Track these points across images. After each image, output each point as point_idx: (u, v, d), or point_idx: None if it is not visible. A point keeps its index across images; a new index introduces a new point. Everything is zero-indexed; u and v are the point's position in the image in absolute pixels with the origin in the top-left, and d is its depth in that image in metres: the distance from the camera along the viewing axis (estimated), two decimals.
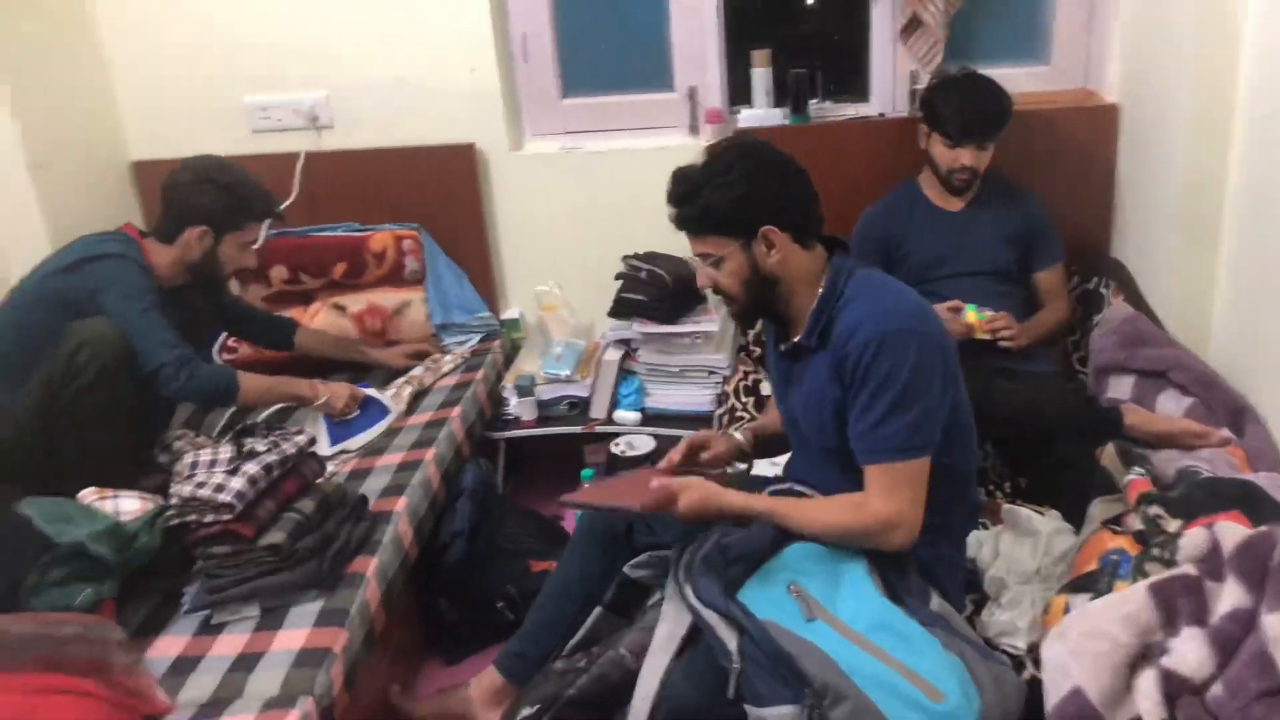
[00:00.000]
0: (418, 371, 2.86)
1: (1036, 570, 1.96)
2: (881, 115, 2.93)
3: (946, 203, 2.67)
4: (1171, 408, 2.27)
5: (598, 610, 2.05)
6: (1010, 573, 1.95)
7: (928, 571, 1.78)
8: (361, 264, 2.98)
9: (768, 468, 2.24)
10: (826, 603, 1.68)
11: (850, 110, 2.97)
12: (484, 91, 2.95)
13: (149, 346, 2.21)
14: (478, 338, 3.05)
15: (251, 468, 1.93)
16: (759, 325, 2.92)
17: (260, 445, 2.00)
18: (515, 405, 2.85)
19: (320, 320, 2.94)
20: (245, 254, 2.46)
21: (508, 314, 3.18)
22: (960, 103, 2.51)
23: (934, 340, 1.68)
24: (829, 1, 3.07)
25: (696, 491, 1.78)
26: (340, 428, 2.57)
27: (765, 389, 2.72)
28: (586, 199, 3.05)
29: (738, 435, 2.08)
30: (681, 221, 1.82)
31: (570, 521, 2.85)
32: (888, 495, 1.66)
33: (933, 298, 2.44)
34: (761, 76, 2.90)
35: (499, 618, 2.41)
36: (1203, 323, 2.38)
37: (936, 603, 1.76)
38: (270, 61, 2.97)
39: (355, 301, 2.99)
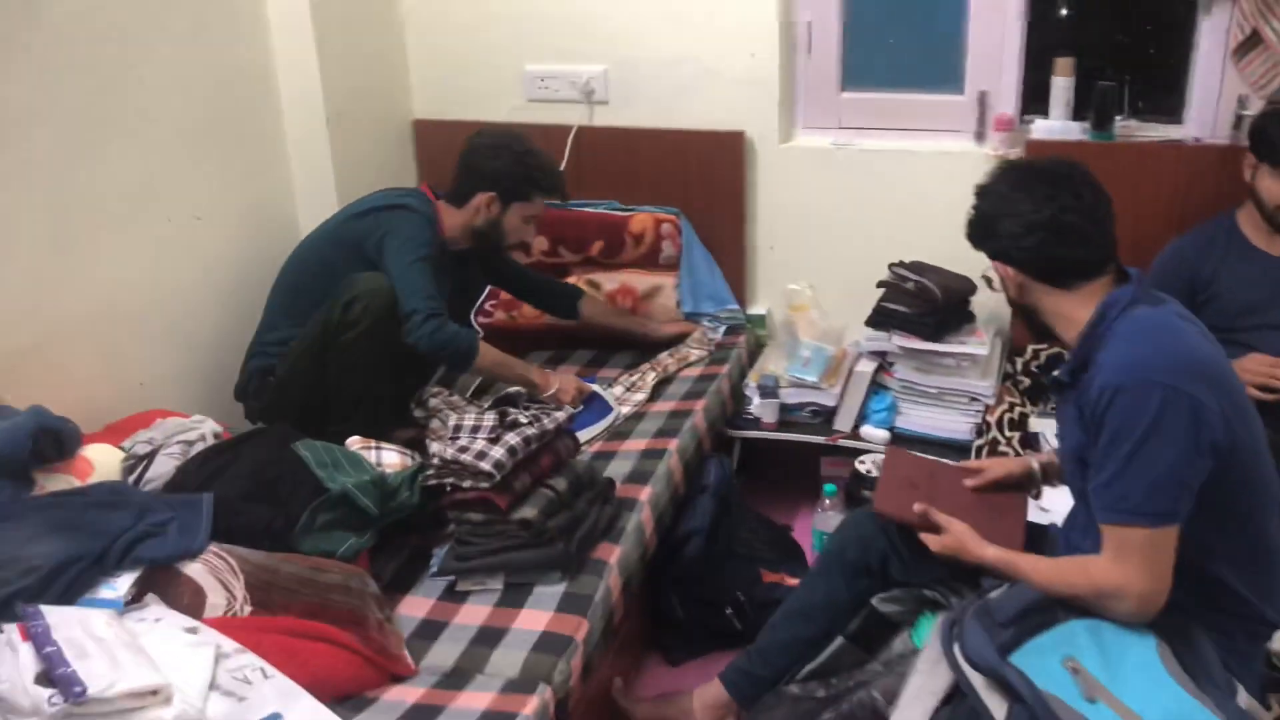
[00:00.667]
0: (664, 357, 2.81)
1: None
2: (1197, 140, 2.64)
3: (1269, 244, 2.38)
4: None
5: (839, 640, 1.94)
6: None
7: (1224, 661, 1.57)
8: (619, 243, 2.95)
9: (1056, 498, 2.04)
10: (1109, 684, 1.50)
11: (1159, 131, 2.70)
12: (760, 78, 2.86)
13: (407, 292, 2.26)
14: (723, 330, 2.98)
15: (512, 438, 1.92)
16: (1028, 353, 2.74)
17: (522, 417, 1.99)
18: (757, 405, 2.76)
19: None
20: (527, 227, 2.52)
21: (755, 309, 3.09)
22: None
23: (1189, 398, 1.45)
24: (1148, 12, 2.79)
25: (955, 538, 1.73)
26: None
27: (1034, 424, 2.52)
28: (854, 199, 2.91)
29: (1032, 460, 1.93)
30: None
31: (801, 533, 2.75)
32: (1114, 560, 1.50)
33: (1236, 349, 2.20)
34: (1062, 86, 2.67)
35: (726, 623, 2.34)
36: None
37: (1244, 698, 1.55)
38: (553, 32, 2.98)
39: (609, 280, 2.98)
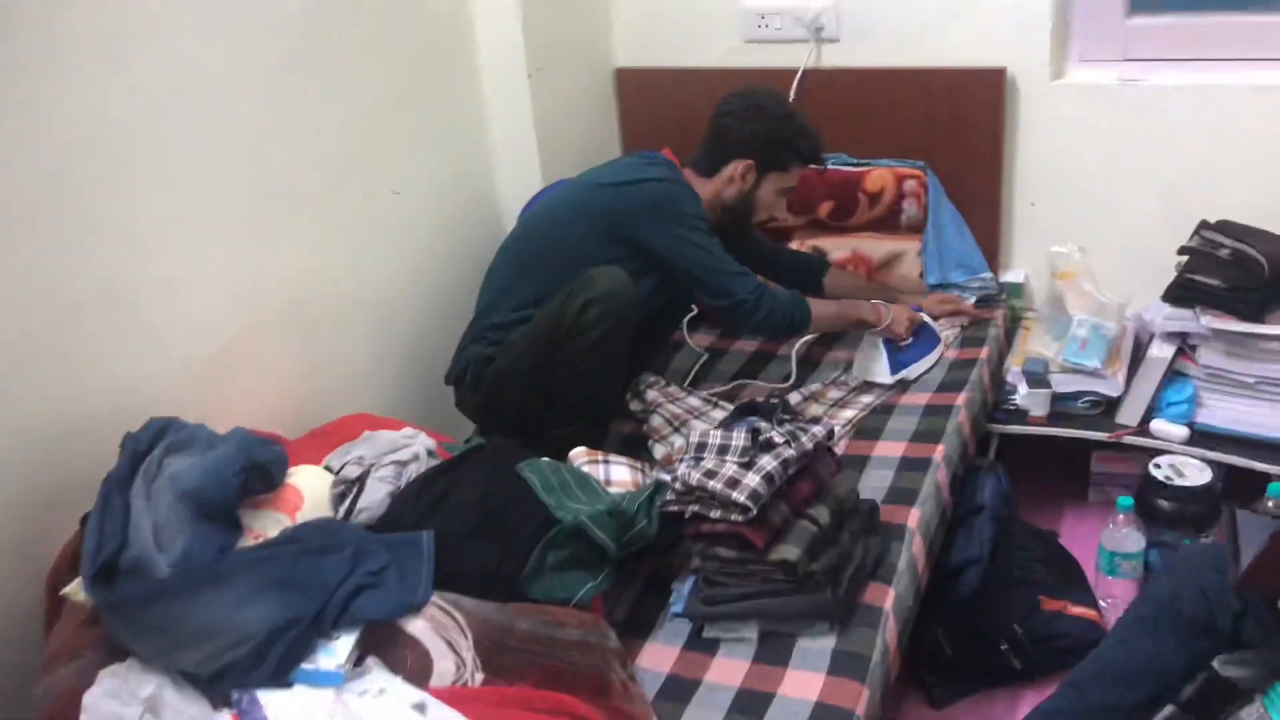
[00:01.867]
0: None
1: None
2: None
3: None
4: None
5: (1169, 709, 1.57)
6: None
7: None
8: (852, 203, 2.57)
9: None
10: None
11: None
12: (1028, 4, 2.40)
13: (722, 278, 2.09)
14: (973, 301, 2.57)
15: (769, 463, 1.61)
16: None
17: (777, 435, 1.67)
18: (1024, 395, 2.35)
19: None
20: (780, 200, 2.24)
21: (1009, 276, 2.66)
22: None
23: None
24: None
25: None
26: (900, 353, 2.31)
27: None
28: (1141, 146, 2.42)
29: None
30: None
31: (1069, 542, 2.34)
32: None
33: None
34: None
35: (1000, 660, 2.00)
36: None
37: None
38: None
39: (838, 246, 2.60)
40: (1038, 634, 2.01)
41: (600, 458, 1.81)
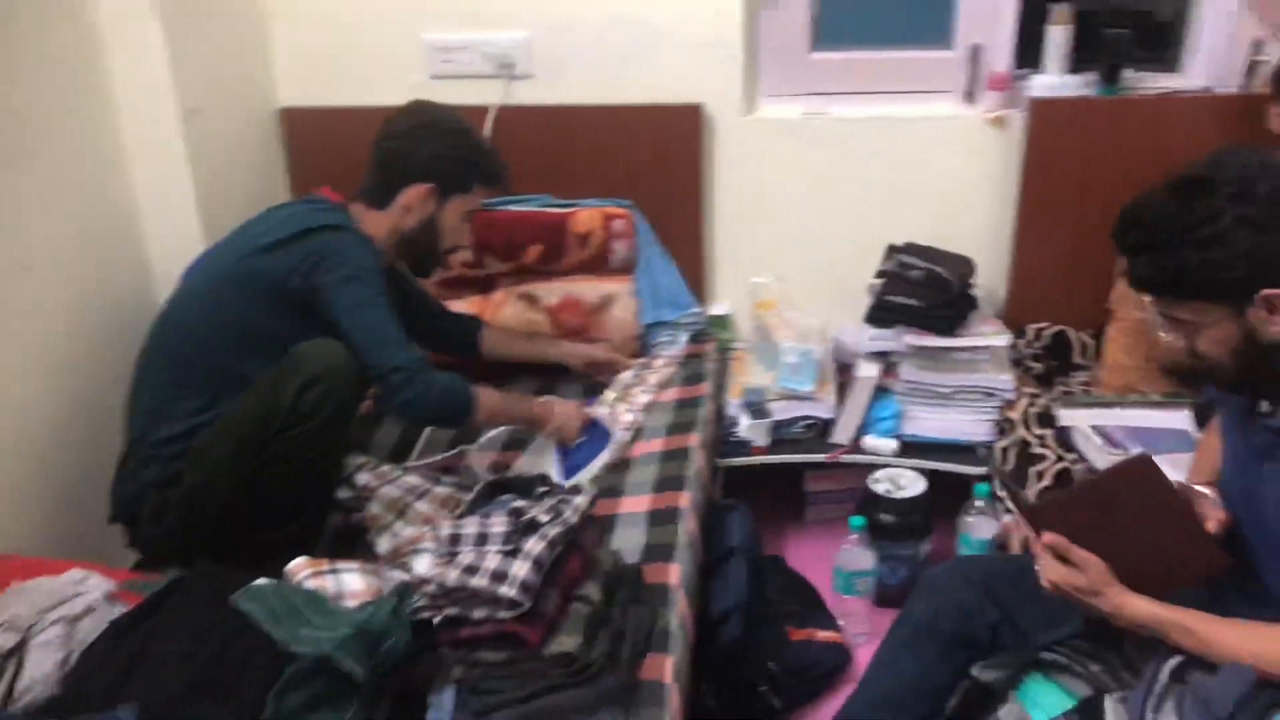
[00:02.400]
0: (626, 378, 2.36)
1: None
2: (1208, 90, 2.38)
3: None
4: None
5: None
6: None
7: None
8: (561, 246, 2.46)
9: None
10: None
11: (1163, 82, 2.43)
12: (720, 39, 2.41)
13: (378, 345, 1.76)
14: (685, 338, 2.55)
15: (535, 546, 1.44)
16: (1029, 334, 2.44)
17: (541, 513, 1.50)
18: (747, 427, 2.35)
19: (507, 314, 2.43)
20: (463, 228, 1.99)
21: (715, 309, 2.67)
22: None
23: None
24: None
25: (1089, 579, 1.38)
26: (572, 455, 2.09)
27: (1063, 416, 2.22)
28: (829, 175, 2.52)
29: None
30: (1140, 280, 1.33)
31: (800, 564, 2.37)
32: None
33: None
34: (1060, 38, 2.35)
35: (761, 702, 1.95)
36: None
37: None
38: None
39: (550, 292, 2.47)
40: (792, 668, 2.00)
41: (326, 567, 1.54)
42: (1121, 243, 1.33)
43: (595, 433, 2.11)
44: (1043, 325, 2.48)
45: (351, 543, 1.84)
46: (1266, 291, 1.23)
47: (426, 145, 1.90)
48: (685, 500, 1.94)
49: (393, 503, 1.91)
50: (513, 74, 2.47)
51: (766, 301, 2.58)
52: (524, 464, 2.06)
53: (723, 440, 2.37)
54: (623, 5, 2.39)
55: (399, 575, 1.59)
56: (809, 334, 2.48)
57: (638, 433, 2.20)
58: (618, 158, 2.49)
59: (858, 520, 2.17)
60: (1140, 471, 1.41)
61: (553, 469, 2.02)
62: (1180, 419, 2.17)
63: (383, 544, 1.84)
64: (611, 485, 2.03)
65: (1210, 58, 2.37)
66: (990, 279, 2.51)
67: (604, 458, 2.08)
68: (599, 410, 2.19)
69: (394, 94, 2.41)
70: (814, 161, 2.50)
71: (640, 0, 2.38)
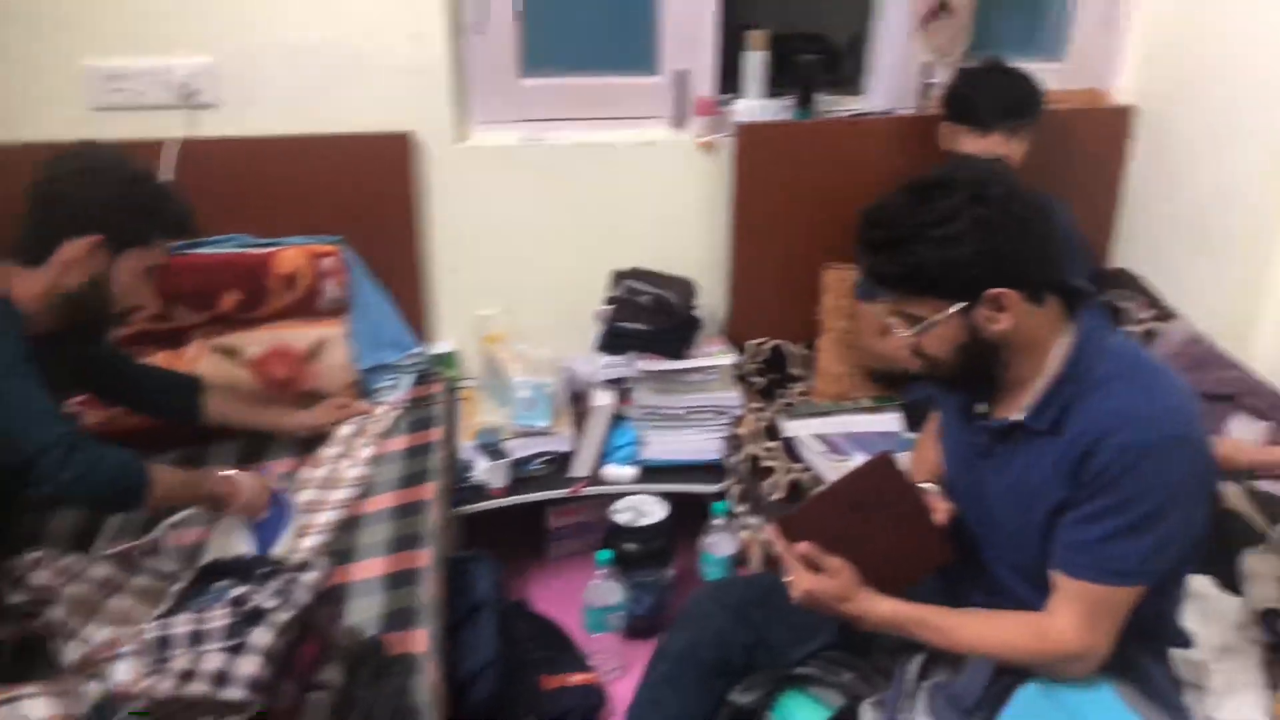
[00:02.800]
0: (346, 432, 2.19)
1: (1223, 645, 1.69)
2: (889, 112, 2.55)
3: None
4: (1246, 434, 2.11)
5: None
6: (1207, 650, 1.66)
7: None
8: (262, 290, 2.23)
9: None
10: None
11: (850, 105, 2.58)
12: (425, 65, 2.29)
13: (25, 423, 1.51)
14: (410, 380, 2.41)
15: (264, 637, 1.28)
16: (749, 348, 2.51)
17: (267, 598, 1.33)
18: (483, 470, 2.25)
19: (202, 371, 2.16)
20: (143, 286, 1.72)
21: (440, 347, 2.54)
22: (990, 86, 2.23)
23: (1202, 452, 1.32)
24: None
25: (839, 584, 1.42)
26: (261, 529, 1.87)
27: (787, 427, 2.29)
28: (547, 203, 2.47)
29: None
30: (879, 277, 1.38)
31: (545, 604, 2.30)
32: (1086, 623, 1.32)
33: None
34: (757, 62, 2.44)
35: None
36: (1246, 337, 2.28)
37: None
38: (126, 12, 2.15)
39: (252, 342, 2.23)
40: (549, 719, 1.92)
41: (3, 696, 1.29)
42: (865, 240, 1.36)
43: (276, 505, 1.91)
44: (761, 340, 2.56)
45: (31, 658, 1.55)
46: (994, 290, 1.30)
47: (92, 192, 1.62)
48: (424, 559, 1.82)
49: (80, 603, 1.60)
50: (196, 104, 2.22)
51: (494, 335, 2.49)
52: (214, 541, 1.82)
53: (458, 486, 2.26)
54: (317, 30, 2.22)
55: (95, 688, 1.36)
56: (541, 366, 2.42)
57: (367, 488, 2.04)
58: (322, 191, 2.31)
59: (604, 554, 2.12)
60: (881, 472, 1.45)
61: (246, 546, 1.82)
62: (890, 421, 2.31)
63: (70, 651, 1.56)
64: (343, 549, 1.87)
65: (888, 81, 2.55)
66: (711, 299, 2.56)
67: (291, 528, 1.90)
68: (273, 479, 2.00)
69: (50, 128, 2.13)
70: (533, 189, 2.45)
71: (336, 25, 2.22)
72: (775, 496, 2.11)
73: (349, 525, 1.94)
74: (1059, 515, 1.34)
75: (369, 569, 1.81)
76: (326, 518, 1.95)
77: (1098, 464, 1.28)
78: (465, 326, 2.53)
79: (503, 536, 2.38)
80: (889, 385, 2.41)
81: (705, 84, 2.48)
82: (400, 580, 1.77)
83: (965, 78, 2.29)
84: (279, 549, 1.85)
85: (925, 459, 1.69)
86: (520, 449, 2.28)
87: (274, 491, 1.92)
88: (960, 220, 1.29)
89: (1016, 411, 1.40)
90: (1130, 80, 2.59)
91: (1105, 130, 2.59)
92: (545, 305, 2.51)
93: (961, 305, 1.32)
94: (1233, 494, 1.86)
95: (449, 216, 2.44)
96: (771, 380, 2.52)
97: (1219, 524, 1.80)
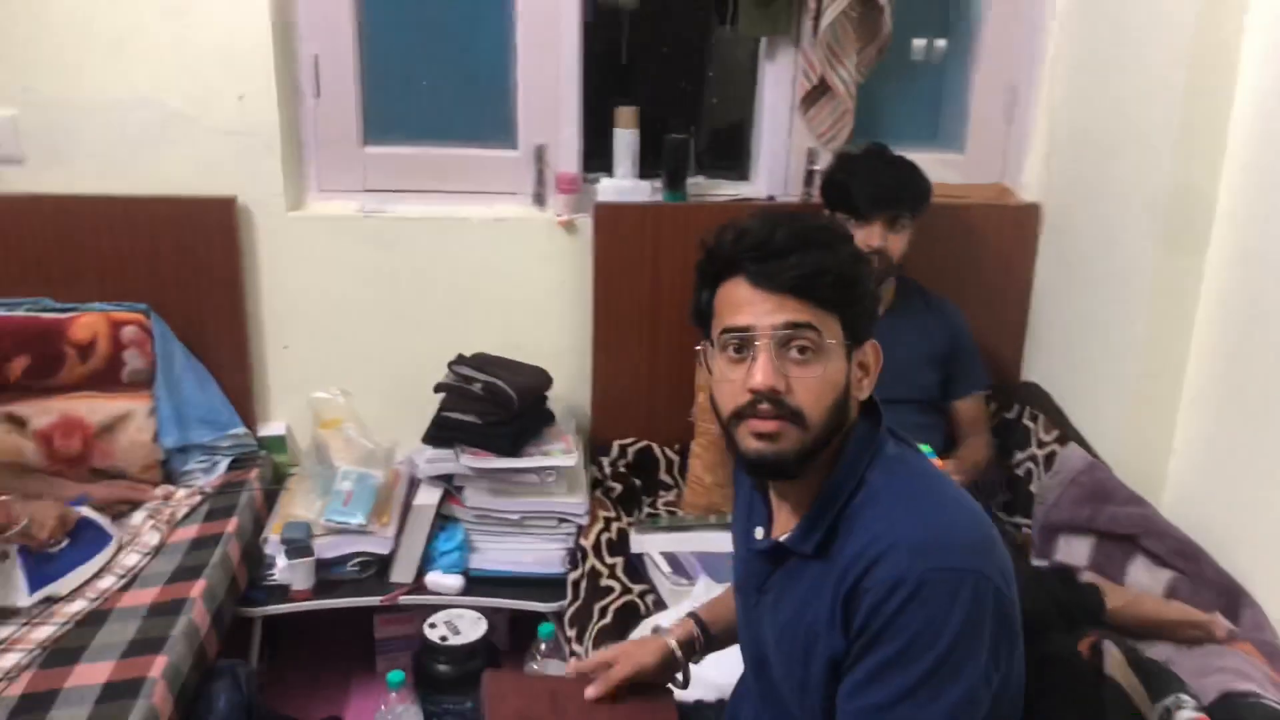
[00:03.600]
0: (138, 519, 1.97)
1: None
2: (771, 198, 2.37)
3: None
4: (1145, 581, 1.86)
5: None
6: None
7: None
8: (57, 358, 2.04)
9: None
10: None
11: (730, 190, 2.41)
12: (253, 127, 2.14)
13: None
14: (226, 464, 2.19)
15: None
16: (614, 450, 2.28)
17: None
18: (284, 569, 2.02)
19: None
20: None
21: (269, 429, 2.33)
22: (869, 172, 2.05)
23: (998, 583, 1.04)
24: (706, 58, 2.51)
25: None
26: (47, 565, 1.73)
27: (636, 542, 2.04)
28: (394, 280, 2.29)
29: (667, 638, 1.40)
30: (790, 282, 1.09)
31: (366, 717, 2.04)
32: None
33: None
34: (627, 140, 2.28)
35: None
36: (1155, 470, 2.01)
37: None
38: None
39: (42, 412, 2.03)
40: None
41: None
42: (766, 242, 1.09)
43: (87, 534, 1.76)
44: (628, 441, 2.34)
45: None
46: (873, 342, 1.14)
47: None
48: (158, 666, 1.57)
49: None
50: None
51: (330, 420, 2.27)
52: None
53: (257, 585, 2.02)
54: (133, 84, 2.07)
55: None
56: (374, 456, 2.19)
57: (130, 580, 1.81)
58: (137, 256, 2.14)
59: (396, 676, 1.86)
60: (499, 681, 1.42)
61: (18, 580, 1.68)
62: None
63: None
64: (74, 646, 1.63)
65: (771, 166, 2.38)
66: (573, 392, 2.35)
67: (96, 562, 1.76)
68: (88, 510, 1.83)
69: None
70: (375, 264, 2.26)
71: (156, 80, 2.08)
72: (599, 624, 1.85)
73: (95, 619, 1.71)
74: (838, 675, 1.08)
75: (91, 674, 1.57)
76: (76, 608, 1.72)
77: (867, 602, 1.02)
78: (299, 409, 2.31)
79: (329, 646, 2.15)
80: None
81: (569, 160, 2.31)
82: (120, 690, 1.52)
83: (843, 164, 2.12)
84: (67, 585, 1.74)
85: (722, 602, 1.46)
86: (330, 548, 2.05)
87: (85, 521, 1.81)
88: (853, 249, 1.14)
89: (782, 532, 1.16)
90: (1033, 176, 2.40)
91: (1012, 229, 2.40)
92: (386, 390, 2.31)
93: (847, 341, 1.11)
94: (1114, 658, 1.57)
95: (281, 289, 2.26)
96: (633, 486, 2.28)
97: (1086, 693, 1.55)
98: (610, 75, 2.37)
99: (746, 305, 1.10)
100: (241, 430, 2.22)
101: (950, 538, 1.04)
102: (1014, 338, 2.45)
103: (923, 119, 2.46)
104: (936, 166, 2.27)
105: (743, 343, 1.10)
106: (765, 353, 1.08)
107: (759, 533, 1.21)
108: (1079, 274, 2.24)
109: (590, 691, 1.32)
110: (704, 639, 1.41)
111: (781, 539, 1.15)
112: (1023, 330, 2.45)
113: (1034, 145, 2.39)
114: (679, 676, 1.40)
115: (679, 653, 1.39)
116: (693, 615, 1.43)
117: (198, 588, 1.79)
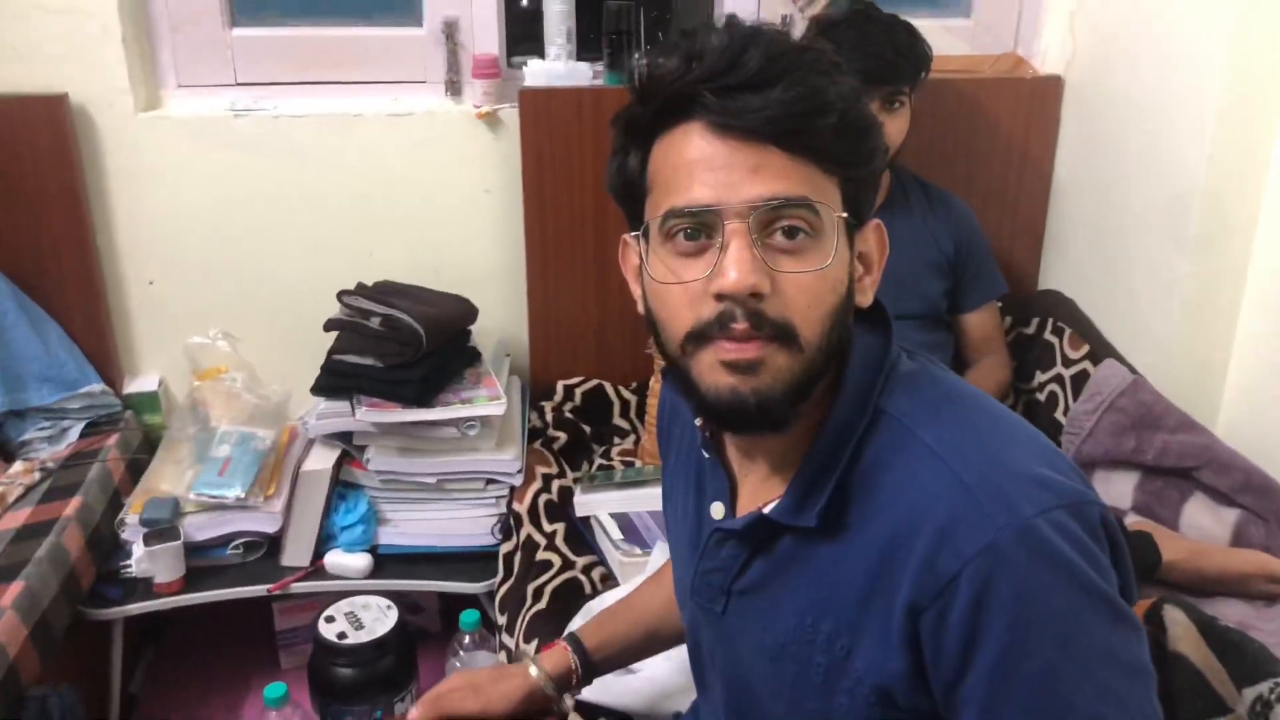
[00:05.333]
0: None
1: None
2: None
3: None
4: (1207, 524, 1.54)
5: None
6: None
7: None
8: None
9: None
10: None
11: None
12: (86, 5, 1.70)
13: None
14: (78, 430, 1.79)
15: None
16: (559, 393, 1.90)
17: None
18: (142, 558, 1.62)
19: None
20: None
21: (138, 385, 1.92)
22: (859, 38, 1.64)
23: (1099, 500, 0.71)
24: None
25: None
26: None
27: (582, 503, 1.66)
28: (277, 193, 1.86)
29: (531, 668, 1.05)
30: (766, 120, 0.69)
31: None
32: None
33: None
34: (559, 16, 1.84)
35: None
36: (1211, 388, 1.69)
37: None
38: None
39: None
40: None
41: None
42: (735, 65, 0.69)
43: None
44: (575, 381, 1.95)
45: None
46: (877, 220, 0.79)
47: None
48: None
49: None
50: None
51: (208, 370, 1.86)
52: None
53: (113, 579, 1.63)
54: None
55: None
56: (261, 414, 1.79)
57: None
58: None
59: (276, 690, 1.46)
60: None
61: None
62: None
63: None
64: None
65: None
66: (506, 324, 1.96)
67: None
68: None
69: None
70: (254, 174, 1.84)
71: None
72: (533, 609, 1.47)
73: None
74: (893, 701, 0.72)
75: None
76: None
77: (962, 602, 0.67)
78: (176, 358, 1.90)
79: (226, 640, 1.88)
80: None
81: (488, 38, 1.87)
82: None
83: (824, 31, 1.69)
84: None
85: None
86: (201, 529, 1.65)
87: None
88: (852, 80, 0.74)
89: (767, 502, 0.79)
90: (1054, 42, 1.98)
91: (1028, 107, 1.99)
92: (276, 331, 1.91)
93: (850, 220, 0.74)
94: (1182, 628, 1.19)
95: (138, 211, 1.84)
96: (582, 435, 1.89)
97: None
98: None
99: (704, 168, 0.70)
100: (97, 387, 1.82)
101: (1028, 466, 0.69)
102: (1030, 238, 2.07)
103: None
104: (937, 34, 1.88)
105: (700, 226, 0.71)
106: (739, 238, 0.69)
107: (717, 509, 0.83)
108: (1111, 159, 1.84)
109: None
110: (581, 671, 1.05)
111: (766, 511, 0.77)
112: (1040, 229, 2.07)
113: (1054, 4, 1.97)
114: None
115: (547, 683, 1.03)
116: (571, 638, 1.07)
117: (11, 592, 1.39)
